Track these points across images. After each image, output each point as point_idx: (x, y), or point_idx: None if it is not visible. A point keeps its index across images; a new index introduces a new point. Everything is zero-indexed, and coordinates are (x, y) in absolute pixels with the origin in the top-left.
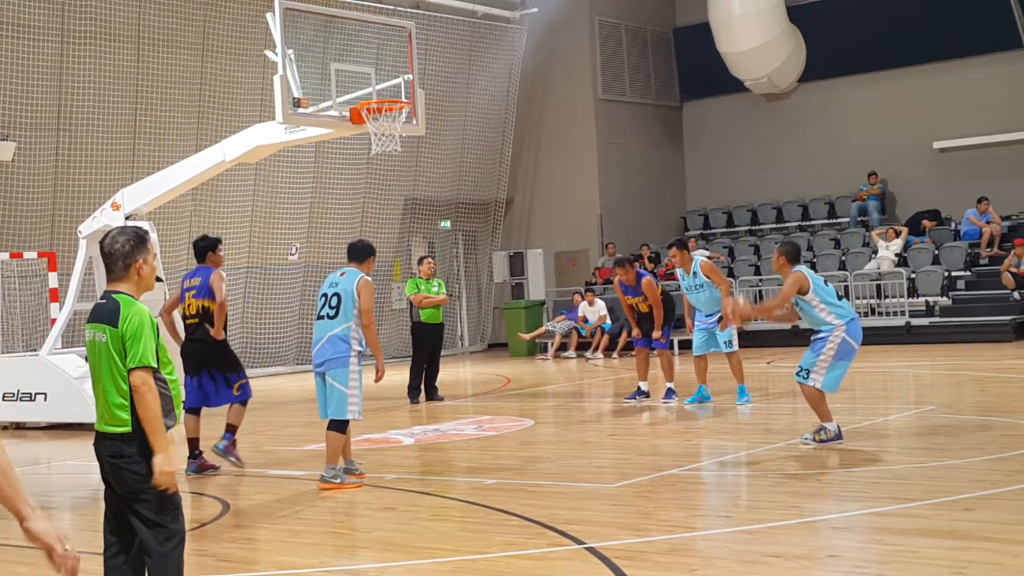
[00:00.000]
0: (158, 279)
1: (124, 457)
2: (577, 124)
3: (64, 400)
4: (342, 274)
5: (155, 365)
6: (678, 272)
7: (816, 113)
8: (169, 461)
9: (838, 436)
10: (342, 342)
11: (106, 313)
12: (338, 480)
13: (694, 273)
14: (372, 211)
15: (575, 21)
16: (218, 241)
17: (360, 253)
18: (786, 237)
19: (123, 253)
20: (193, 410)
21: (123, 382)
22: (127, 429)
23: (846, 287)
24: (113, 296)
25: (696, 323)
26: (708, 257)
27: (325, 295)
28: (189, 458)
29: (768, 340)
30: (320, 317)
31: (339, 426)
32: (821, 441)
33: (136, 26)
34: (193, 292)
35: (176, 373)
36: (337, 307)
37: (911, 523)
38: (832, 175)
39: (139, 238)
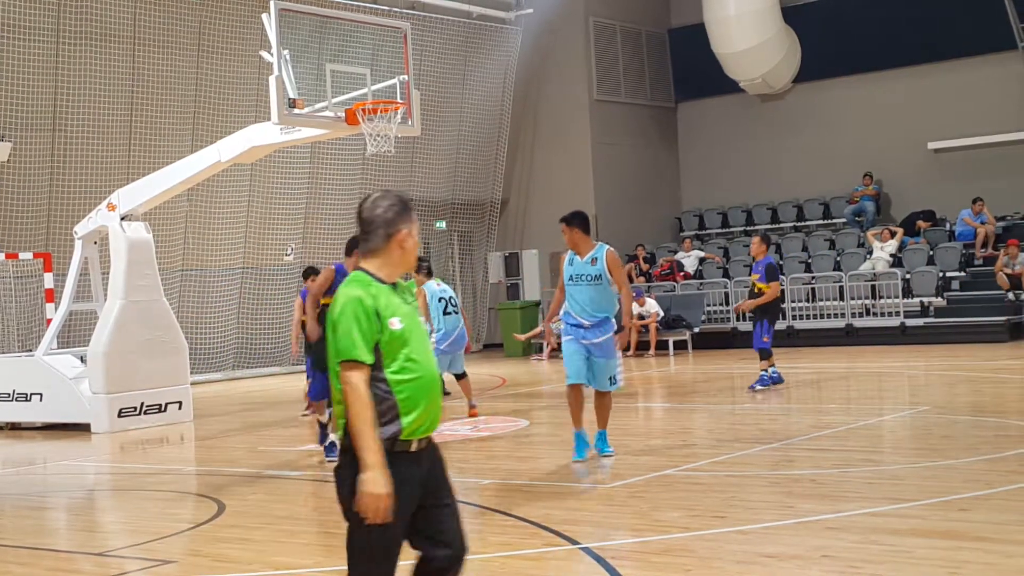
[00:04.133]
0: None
1: (338, 468)
2: (572, 124)
3: (59, 400)
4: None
5: (362, 358)
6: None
7: (811, 114)
8: (375, 481)
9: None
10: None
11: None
12: None
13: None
14: None
15: (570, 22)
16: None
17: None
18: (781, 238)
19: (385, 220)
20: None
21: (336, 380)
22: (340, 435)
23: (841, 287)
24: (350, 275)
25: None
26: (702, 259)
27: (443, 299)
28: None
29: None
30: (448, 313)
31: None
32: None
33: (132, 26)
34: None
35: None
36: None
37: (905, 523)
38: (827, 176)
39: (404, 204)
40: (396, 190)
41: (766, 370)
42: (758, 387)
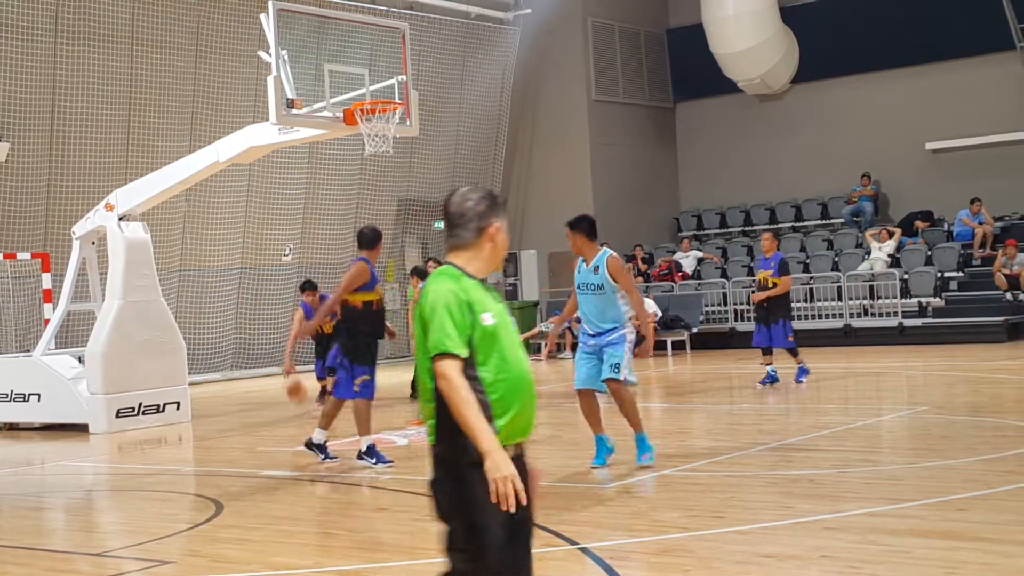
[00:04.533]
0: None
1: (433, 479)
2: (570, 125)
3: (57, 401)
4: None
5: (456, 351)
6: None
7: (809, 114)
8: (500, 464)
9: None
10: None
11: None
12: None
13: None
14: (366, 212)
15: (568, 22)
16: None
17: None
18: (779, 238)
19: (477, 213)
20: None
21: (428, 378)
22: (432, 440)
23: (839, 288)
24: (438, 268)
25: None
26: (700, 259)
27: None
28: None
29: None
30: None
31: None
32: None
33: (130, 27)
34: None
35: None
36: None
37: (903, 523)
38: (825, 176)
39: (494, 198)
40: (482, 187)
41: (802, 363)
42: (802, 379)
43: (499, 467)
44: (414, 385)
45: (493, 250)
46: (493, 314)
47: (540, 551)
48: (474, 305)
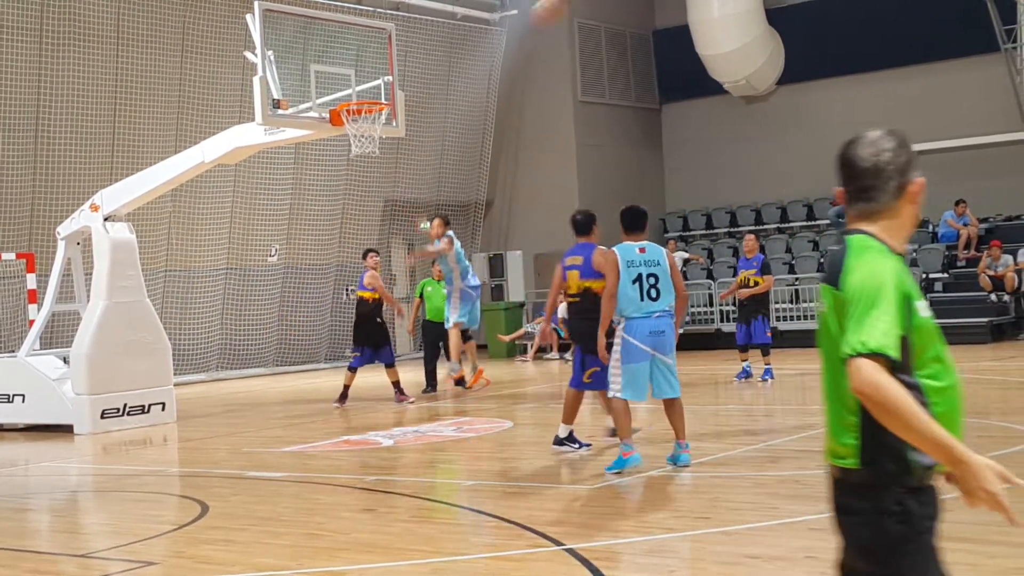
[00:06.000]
0: None
1: (846, 511)
2: (556, 126)
3: (42, 401)
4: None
5: (892, 354)
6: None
7: (794, 115)
8: (982, 472)
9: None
10: None
11: (831, 265)
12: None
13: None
14: (352, 213)
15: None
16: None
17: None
18: (765, 239)
19: (897, 168)
20: None
21: (844, 379)
22: (850, 463)
23: None
24: (847, 237)
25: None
26: (686, 260)
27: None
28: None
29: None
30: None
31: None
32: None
33: (115, 26)
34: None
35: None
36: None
37: None
38: (810, 177)
39: (909, 145)
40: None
41: (770, 364)
42: (768, 378)
43: (982, 477)
44: (428, 378)
45: (912, 215)
46: (926, 303)
47: (525, 552)
48: (911, 292)
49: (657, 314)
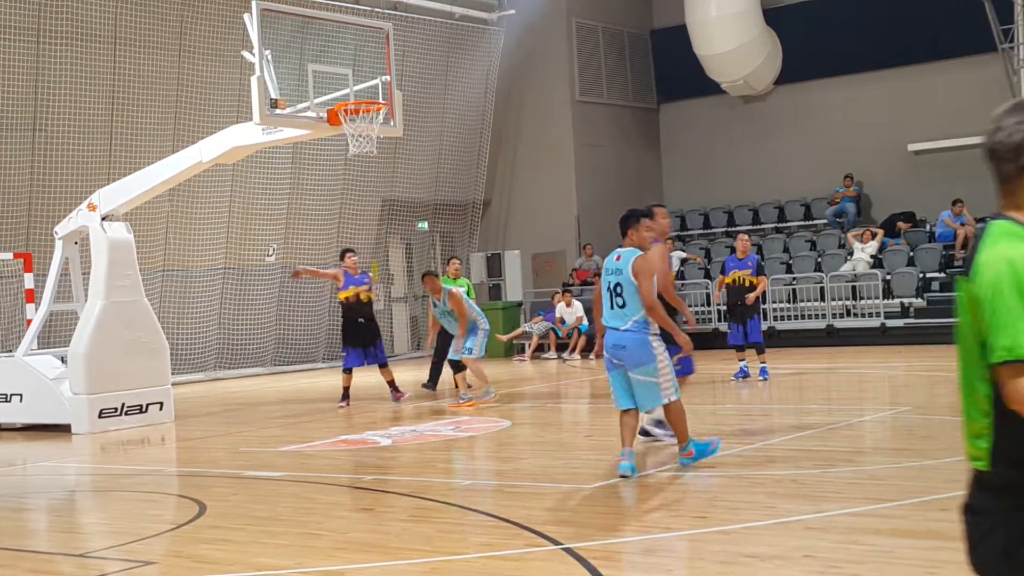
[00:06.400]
0: None
1: (975, 512)
2: (554, 126)
3: (40, 401)
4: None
5: None
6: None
7: (792, 115)
8: None
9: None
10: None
11: (969, 258)
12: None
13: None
14: (349, 212)
15: (552, 23)
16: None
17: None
18: (762, 239)
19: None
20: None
21: (980, 381)
22: (982, 464)
23: (822, 288)
24: (990, 223)
25: None
26: (683, 260)
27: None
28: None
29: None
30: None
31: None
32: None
33: (113, 26)
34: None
35: None
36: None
37: (886, 523)
38: (808, 177)
39: None
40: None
41: (765, 363)
42: (764, 377)
43: None
44: (431, 375)
45: None
46: None
47: (523, 551)
48: None
49: (623, 328)
